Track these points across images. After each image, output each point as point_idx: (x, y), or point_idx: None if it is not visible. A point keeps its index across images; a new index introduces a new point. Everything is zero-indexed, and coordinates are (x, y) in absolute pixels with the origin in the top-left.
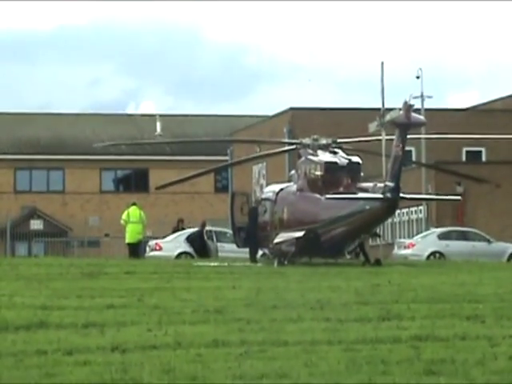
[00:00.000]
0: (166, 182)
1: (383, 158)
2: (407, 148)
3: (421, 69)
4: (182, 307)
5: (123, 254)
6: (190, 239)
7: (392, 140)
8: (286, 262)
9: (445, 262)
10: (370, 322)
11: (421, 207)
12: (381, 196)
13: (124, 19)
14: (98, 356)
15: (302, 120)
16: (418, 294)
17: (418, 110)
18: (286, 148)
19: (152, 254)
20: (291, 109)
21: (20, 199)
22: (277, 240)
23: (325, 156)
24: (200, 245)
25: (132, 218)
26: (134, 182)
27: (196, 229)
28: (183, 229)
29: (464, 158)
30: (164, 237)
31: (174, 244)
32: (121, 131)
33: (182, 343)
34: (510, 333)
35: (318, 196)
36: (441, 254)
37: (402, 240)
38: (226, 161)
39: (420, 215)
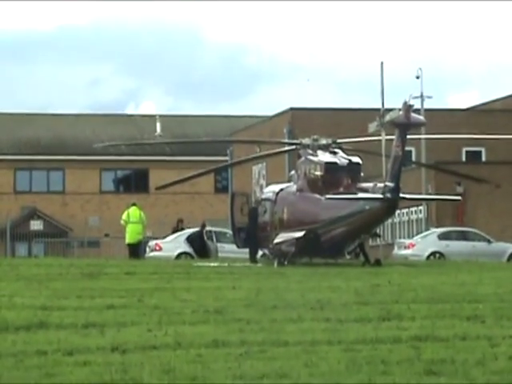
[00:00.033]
0: (166, 183)
1: (383, 159)
2: (407, 148)
3: (421, 69)
4: (182, 307)
5: (123, 255)
6: (189, 239)
7: (392, 140)
8: (286, 263)
9: (445, 262)
10: (370, 322)
11: (421, 207)
12: (381, 196)
13: (124, 19)
14: (98, 356)
15: (301, 120)
16: (418, 294)
17: (417, 110)
18: (286, 148)
19: (152, 254)
20: (291, 109)
21: (20, 200)
22: (277, 240)
23: (325, 156)
24: (200, 245)
25: (132, 219)
26: (134, 183)
27: (196, 229)
28: (183, 229)
29: (464, 158)
30: (164, 237)
31: (173, 244)
32: (121, 131)
33: (182, 343)
34: (510, 333)
35: (317, 196)
36: (441, 254)
37: (402, 240)
38: (226, 161)
39: (420, 215)
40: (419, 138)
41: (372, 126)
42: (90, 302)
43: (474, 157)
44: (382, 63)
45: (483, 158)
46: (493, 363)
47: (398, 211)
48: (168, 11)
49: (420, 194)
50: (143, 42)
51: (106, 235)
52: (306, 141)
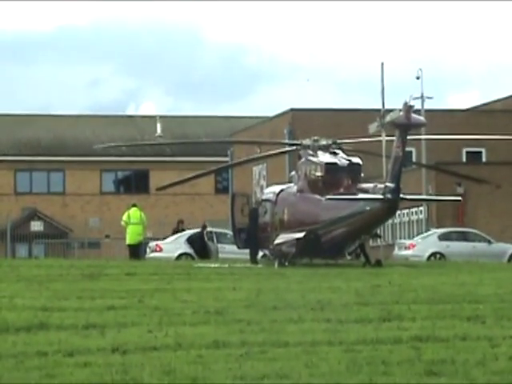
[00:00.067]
0: (167, 183)
1: (383, 159)
2: (407, 149)
3: (421, 69)
4: (183, 308)
5: (124, 256)
6: (190, 240)
7: (392, 141)
8: (286, 263)
9: (445, 262)
10: (370, 322)
11: (421, 208)
12: (381, 197)
13: (124, 19)
14: (99, 357)
15: (302, 121)
16: (418, 294)
17: (418, 111)
18: (287, 149)
19: (152, 255)
20: (291, 110)
21: (20, 201)
22: (277, 241)
23: (325, 157)
24: (200, 246)
25: (132, 220)
26: (135, 184)
27: (196, 230)
28: (183, 230)
29: (464, 159)
30: (164, 238)
31: (174, 245)
32: (121, 132)
33: (182, 344)
34: (511, 333)
35: (318, 197)
36: (441, 254)
37: (403, 241)
38: (227, 162)
39: (420, 216)
40: (419, 139)
41: (372, 127)
42: (90, 303)
43: (474, 157)
44: (382, 63)
45: (483, 159)
46: (493, 363)
47: (398, 212)
48: (168, 11)
49: (420, 194)
50: (143, 42)
51: (107, 236)
52: (307, 141)
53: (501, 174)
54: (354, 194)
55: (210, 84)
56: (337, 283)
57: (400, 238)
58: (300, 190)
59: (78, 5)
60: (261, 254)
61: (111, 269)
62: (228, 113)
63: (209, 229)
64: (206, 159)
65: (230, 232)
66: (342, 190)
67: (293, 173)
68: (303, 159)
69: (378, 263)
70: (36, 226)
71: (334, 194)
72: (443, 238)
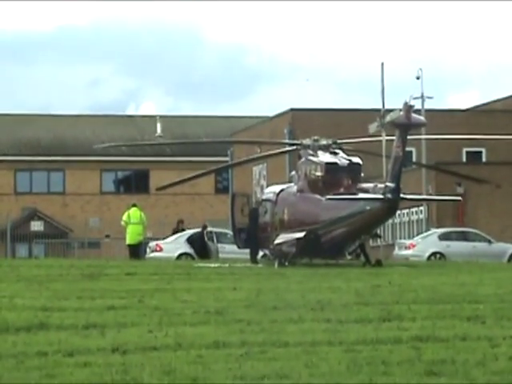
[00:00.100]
0: (167, 183)
1: (383, 159)
2: (407, 149)
3: (421, 69)
4: (183, 308)
5: (124, 255)
6: (190, 240)
7: (392, 141)
8: (286, 263)
9: (445, 262)
10: (370, 322)
11: (421, 208)
12: (381, 197)
13: (124, 19)
14: (99, 357)
15: (302, 121)
16: (418, 294)
17: (418, 111)
18: (287, 149)
19: (152, 255)
20: (291, 110)
21: (20, 200)
22: (277, 241)
23: (325, 157)
24: (200, 246)
25: (132, 219)
26: (135, 183)
27: (196, 230)
28: (183, 230)
29: (464, 159)
30: (164, 238)
31: (174, 245)
32: (121, 132)
33: (182, 344)
34: (511, 333)
35: (318, 197)
36: (441, 254)
37: (403, 241)
38: (227, 162)
39: (420, 216)
40: (420, 139)
41: (372, 127)
42: (90, 303)
43: (474, 157)
44: (382, 64)
45: (483, 159)
46: (493, 364)
47: (398, 212)
48: (168, 11)
49: (420, 194)
50: (143, 42)
51: (107, 236)
52: (307, 141)
53: (501, 174)
54: (354, 194)
55: (210, 84)
56: (337, 283)
57: (400, 238)
58: (300, 190)
59: (77, 5)
60: (261, 253)
61: (111, 269)
62: (228, 113)
63: (209, 229)
64: (206, 159)
65: (230, 232)
66: (342, 190)
67: (293, 173)
68: (303, 159)
69: (378, 263)
70: (36, 225)
71: (334, 194)
72: (443, 237)
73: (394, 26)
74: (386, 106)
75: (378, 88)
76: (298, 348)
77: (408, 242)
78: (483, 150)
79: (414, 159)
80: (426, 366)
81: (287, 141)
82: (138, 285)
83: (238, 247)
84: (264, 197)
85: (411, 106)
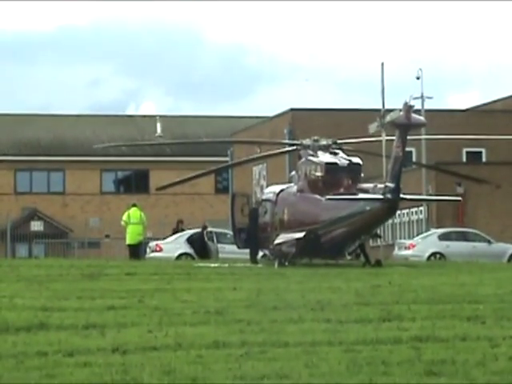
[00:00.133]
0: (167, 183)
1: (383, 159)
2: (407, 149)
3: (421, 69)
4: (183, 308)
5: (124, 256)
6: (190, 240)
7: (392, 141)
8: (286, 263)
9: (445, 262)
10: (370, 322)
11: (421, 208)
12: (381, 197)
13: (124, 19)
14: (99, 357)
15: (302, 121)
16: (418, 294)
17: (418, 111)
18: (287, 149)
19: (152, 255)
20: (291, 110)
21: (20, 200)
22: (277, 241)
23: (325, 157)
24: (200, 246)
25: (132, 219)
26: (135, 183)
27: (196, 230)
28: (183, 230)
29: (464, 159)
30: (164, 238)
31: (174, 245)
32: (121, 132)
33: (182, 344)
34: (511, 333)
35: (318, 197)
36: (441, 254)
37: (403, 241)
38: (227, 162)
39: (420, 216)
40: (420, 139)
41: (372, 127)
42: (90, 303)
43: (474, 157)
44: (382, 64)
45: (483, 159)
46: (493, 364)
47: (398, 212)
48: (168, 11)
49: (420, 194)
50: (143, 42)
51: (107, 236)
52: (307, 141)
53: (501, 174)
54: (354, 194)
55: (210, 84)
56: (337, 283)
57: (400, 238)
58: (300, 190)
59: (78, 5)
60: (261, 253)
61: (111, 269)
62: (228, 113)
63: (209, 229)
64: (206, 159)
65: (230, 232)
66: (342, 190)
67: (293, 173)
68: (303, 159)
69: (378, 263)
70: (36, 225)
71: (334, 194)
72: (443, 237)
73: (394, 26)
74: (386, 106)
75: (378, 88)
76: (298, 348)
77: (408, 242)
78: (483, 150)
79: (414, 159)
80: (425, 366)
81: (287, 141)
82: (137, 285)
83: (238, 247)
84: (264, 197)
85: (411, 106)
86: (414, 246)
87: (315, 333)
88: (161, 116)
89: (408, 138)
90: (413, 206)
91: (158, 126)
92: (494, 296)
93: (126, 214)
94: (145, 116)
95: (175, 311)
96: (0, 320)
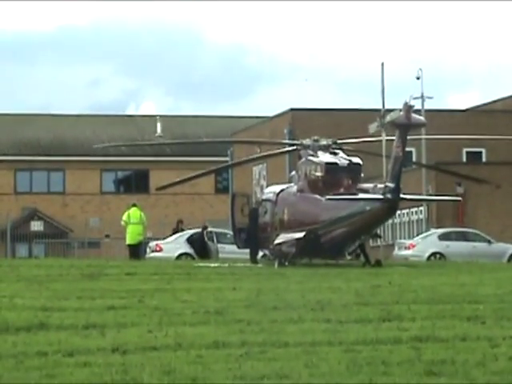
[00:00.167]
0: (167, 183)
1: (383, 159)
2: (407, 149)
3: (421, 69)
4: (183, 308)
5: (124, 255)
6: (190, 240)
7: (392, 141)
8: (286, 263)
9: (445, 262)
10: (370, 322)
11: (421, 208)
12: (381, 197)
13: (124, 19)
14: (99, 357)
15: (302, 121)
16: (418, 294)
17: (418, 111)
18: (287, 149)
19: (152, 255)
20: (291, 110)
21: (20, 200)
22: (277, 241)
23: (325, 157)
24: (200, 246)
25: (132, 219)
26: (135, 183)
27: (196, 230)
28: (182, 230)
29: (464, 159)
30: (164, 238)
31: (174, 245)
32: (121, 132)
33: (182, 344)
34: (511, 333)
35: (318, 197)
36: (441, 254)
37: (403, 241)
38: (227, 162)
39: (420, 216)
40: (420, 139)
41: (372, 127)
42: (90, 303)
43: (474, 157)
44: (382, 64)
45: (483, 159)
46: (493, 364)
47: (398, 212)
48: (168, 11)
49: (420, 194)
50: (143, 42)
51: (107, 236)
52: (307, 141)
53: (501, 174)
54: (354, 194)
55: (210, 84)
56: (337, 283)
57: (400, 238)
58: (300, 190)
59: (78, 5)
60: (261, 253)
61: (111, 269)
62: (228, 113)
63: (209, 229)
64: (206, 159)
65: (230, 232)
66: (342, 190)
67: (293, 173)
68: (303, 159)
69: (378, 263)
70: (36, 225)
71: (334, 194)
72: (443, 237)
73: (394, 26)
74: (386, 106)
75: (378, 88)
76: (298, 348)
77: (408, 242)
78: (483, 150)
79: (414, 159)
80: (425, 366)
81: (287, 141)
82: (137, 285)
83: (238, 247)
84: (264, 197)
85: (411, 106)
86: (413, 246)
87: (315, 333)
88: (161, 116)
89: (408, 137)
90: (413, 206)
91: (158, 125)
92: (494, 296)
93: (125, 213)
94: (145, 116)
95: (175, 311)
96: (0, 320)
